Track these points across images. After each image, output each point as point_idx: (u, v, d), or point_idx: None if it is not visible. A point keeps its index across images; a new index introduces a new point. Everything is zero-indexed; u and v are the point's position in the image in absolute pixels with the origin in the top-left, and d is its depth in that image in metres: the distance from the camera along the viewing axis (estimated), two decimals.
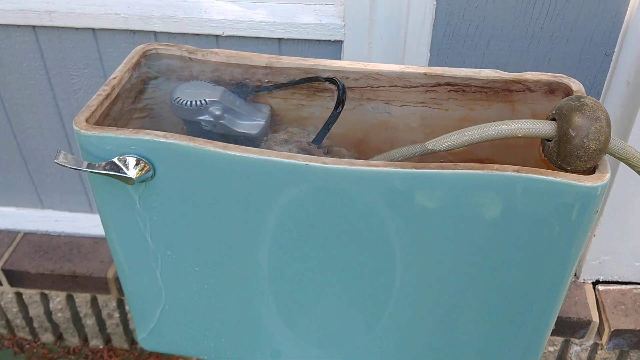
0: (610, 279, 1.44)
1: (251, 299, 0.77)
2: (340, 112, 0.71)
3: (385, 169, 0.60)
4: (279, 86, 0.78)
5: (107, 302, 1.54)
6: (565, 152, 0.59)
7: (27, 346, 1.69)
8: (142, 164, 0.64)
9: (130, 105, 0.76)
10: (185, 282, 0.77)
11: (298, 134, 0.75)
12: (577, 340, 1.39)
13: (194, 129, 0.78)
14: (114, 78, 0.72)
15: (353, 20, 1.15)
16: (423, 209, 0.63)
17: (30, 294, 1.56)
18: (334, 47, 1.21)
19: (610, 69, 1.19)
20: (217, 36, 1.22)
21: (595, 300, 1.39)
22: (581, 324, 1.35)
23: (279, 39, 1.21)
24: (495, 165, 0.60)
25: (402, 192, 0.61)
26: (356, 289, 0.73)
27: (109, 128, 0.64)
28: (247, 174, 0.64)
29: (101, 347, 1.67)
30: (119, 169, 0.63)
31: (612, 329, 1.32)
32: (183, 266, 0.75)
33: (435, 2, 1.12)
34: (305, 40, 1.21)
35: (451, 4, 1.13)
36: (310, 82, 0.77)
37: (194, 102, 0.76)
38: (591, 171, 0.60)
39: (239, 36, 1.21)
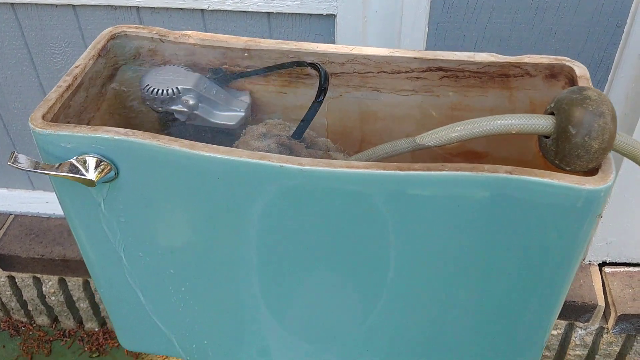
0: (617, 260, 1.38)
1: (231, 299, 0.72)
2: (321, 102, 0.66)
3: (366, 170, 0.54)
4: (258, 72, 0.72)
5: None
6: (564, 151, 0.53)
7: (23, 329, 1.68)
8: (103, 165, 0.59)
9: (96, 95, 0.70)
10: (161, 284, 0.72)
11: (277, 126, 0.69)
12: (581, 324, 1.35)
13: (167, 120, 0.73)
14: (76, 67, 0.67)
15: None
16: (409, 211, 0.57)
17: (23, 278, 1.53)
18: (326, 22, 1.14)
19: (621, 42, 1.12)
20: (202, 10, 1.15)
21: (601, 283, 1.33)
22: (586, 308, 1.30)
23: (268, 13, 1.14)
24: (486, 166, 0.54)
25: (385, 194, 0.56)
26: (343, 287, 0.69)
27: (67, 125, 0.58)
28: (217, 175, 0.58)
29: (96, 329, 1.65)
30: (77, 171, 0.58)
31: (618, 314, 1.27)
32: (157, 268, 0.70)
33: None
34: (296, 14, 1.14)
35: None
36: (291, 67, 0.71)
37: (165, 91, 0.70)
38: (593, 171, 0.54)
39: (226, 10, 1.14)
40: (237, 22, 1.16)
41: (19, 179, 1.58)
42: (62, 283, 1.53)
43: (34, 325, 1.68)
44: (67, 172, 0.58)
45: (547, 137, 0.55)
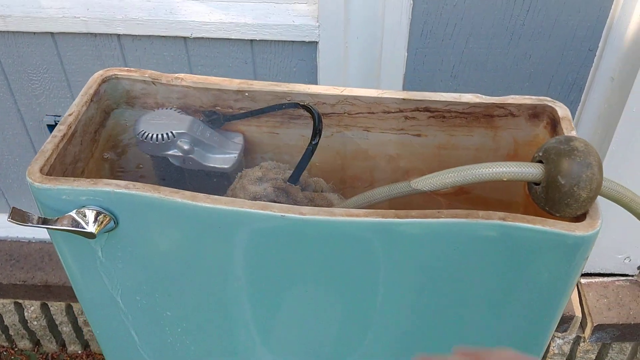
0: (592, 271, 1.43)
1: (228, 339, 0.74)
2: (316, 144, 0.67)
3: (365, 219, 0.56)
4: (251, 114, 0.73)
5: (83, 310, 1.50)
6: (554, 199, 0.55)
7: (5, 353, 1.66)
8: (103, 217, 0.60)
9: (90, 142, 0.71)
10: (157, 326, 0.73)
11: (273, 169, 0.71)
12: (559, 334, 1.39)
13: (162, 164, 0.73)
14: (69, 115, 0.67)
15: (327, 21, 1.09)
16: (406, 253, 0.59)
17: (4, 303, 1.51)
18: (308, 48, 1.15)
19: (593, 65, 1.16)
20: (185, 38, 1.16)
21: (577, 294, 1.38)
22: (564, 319, 1.35)
23: (251, 40, 1.15)
24: (480, 213, 0.56)
25: (384, 239, 0.58)
26: (338, 327, 0.70)
27: (66, 179, 0.59)
28: (218, 224, 0.59)
29: (80, 352, 1.64)
30: (78, 224, 0.59)
31: (594, 324, 1.32)
32: (154, 311, 0.71)
33: (411, 2, 1.07)
34: (279, 41, 1.15)
35: (428, 3, 1.08)
36: (284, 109, 0.72)
37: (159, 136, 0.71)
38: (581, 216, 0.57)
39: (209, 38, 1.15)
40: (220, 49, 1.17)
41: None
42: (45, 307, 1.51)
43: (16, 349, 1.66)
44: (68, 226, 0.58)
45: (537, 183, 0.57)
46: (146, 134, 0.71)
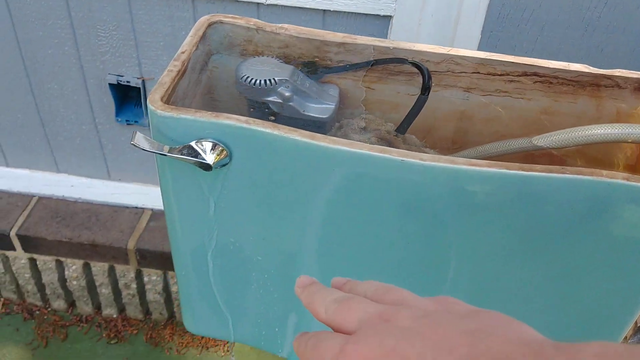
0: None
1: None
2: (427, 96, 0.67)
3: (489, 169, 0.56)
4: (354, 67, 0.73)
5: (125, 273, 1.50)
6: None
7: (37, 312, 1.66)
8: (220, 149, 0.60)
9: (195, 82, 0.71)
10: (244, 271, 0.73)
11: (375, 121, 0.71)
12: None
13: (259, 110, 0.73)
14: (182, 52, 0.67)
15: None
16: (523, 213, 0.59)
17: (45, 260, 1.52)
18: (381, 22, 1.15)
19: None
20: (258, 4, 1.16)
21: None
22: None
23: (324, 11, 1.15)
24: (604, 172, 0.56)
25: (504, 194, 0.58)
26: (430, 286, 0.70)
27: (187, 110, 0.59)
28: (334, 166, 0.59)
29: (115, 316, 1.64)
30: (197, 154, 0.59)
31: (638, 325, 1.31)
32: (245, 255, 0.71)
33: None
34: (352, 13, 1.15)
35: None
36: (389, 63, 0.72)
37: (262, 81, 0.71)
38: None
39: (283, 5, 1.15)
40: (292, 18, 1.17)
41: (43, 160, 1.56)
42: (86, 267, 1.52)
43: (49, 309, 1.66)
44: (187, 156, 0.59)
45: None
46: (249, 78, 0.71)
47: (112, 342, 1.59)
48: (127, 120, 1.42)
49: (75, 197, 1.54)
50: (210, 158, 0.59)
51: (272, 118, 0.73)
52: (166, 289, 1.55)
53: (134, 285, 1.53)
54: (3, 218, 1.48)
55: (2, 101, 1.44)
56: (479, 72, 0.72)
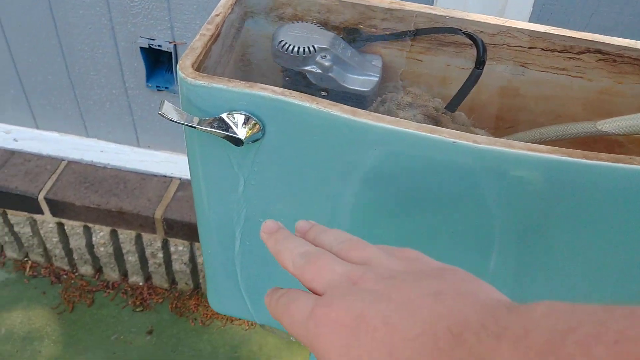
0: None
1: None
2: (481, 72, 0.61)
3: (550, 155, 0.50)
4: (401, 35, 0.67)
5: (152, 241, 1.48)
6: None
7: (65, 277, 1.66)
8: (252, 123, 0.55)
9: (228, 48, 0.66)
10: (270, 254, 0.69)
11: (422, 96, 0.65)
12: None
13: (295, 80, 0.68)
14: (217, 15, 0.62)
15: None
16: (584, 205, 0.53)
17: (73, 226, 1.51)
18: None
19: None
20: None
21: None
22: None
23: None
24: None
25: (563, 184, 0.52)
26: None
27: (220, 78, 0.54)
28: (376, 145, 0.54)
29: (141, 283, 1.63)
30: (228, 128, 0.54)
31: None
32: None
33: None
34: None
35: None
36: (440, 33, 0.66)
37: (300, 49, 0.65)
38: None
39: None
40: None
41: (73, 123, 1.54)
42: (114, 234, 1.50)
43: (76, 274, 1.66)
44: (217, 129, 0.54)
45: None
46: (287, 45, 0.65)
47: (137, 309, 1.59)
48: (157, 86, 1.38)
49: (104, 163, 1.51)
50: (242, 132, 0.54)
51: (324, 94, 0.68)
52: (192, 259, 1.52)
53: (160, 255, 1.51)
54: (32, 181, 1.47)
55: (33, 62, 1.42)
56: (536, 47, 0.66)
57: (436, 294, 0.29)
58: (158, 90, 1.39)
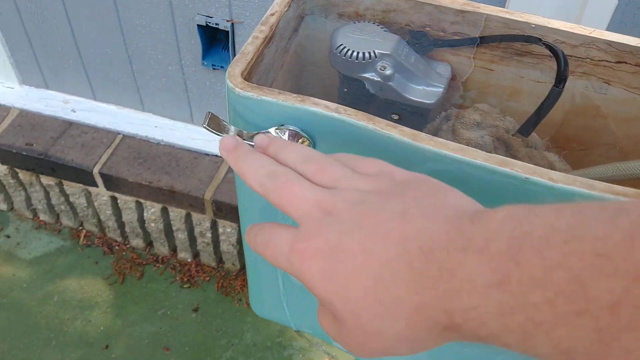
0: None
1: None
2: (561, 91, 0.55)
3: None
4: (472, 41, 0.61)
5: (201, 221, 1.48)
6: None
7: (117, 248, 1.68)
8: (302, 140, 0.51)
9: (283, 50, 0.61)
10: None
11: (491, 114, 0.59)
12: None
13: (351, 87, 0.63)
14: (272, 14, 0.57)
15: None
16: None
17: (126, 200, 1.51)
18: None
19: None
20: None
21: None
22: None
23: None
24: None
25: None
26: None
27: (270, 90, 0.50)
28: (435, 172, 0.49)
29: (189, 260, 1.64)
30: None
31: None
32: None
33: None
34: None
35: None
36: (517, 42, 0.60)
37: (360, 54, 0.60)
38: None
39: None
40: None
41: (129, 97, 1.53)
42: (164, 211, 1.50)
43: (128, 246, 1.68)
44: None
45: None
46: (345, 49, 0.60)
47: (185, 286, 1.60)
48: (213, 65, 1.35)
49: (158, 139, 1.51)
50: None
51: (396, 117, 0.63)
52: (240, 241, 1.51)
53: (208, 234, 1.50)
54: (87, 154, 1.48)
55: (91, 35, 1.41)
56: (625, 62, 0.58)
57: (403, 214, 0.30)
58: (214, 68, 1.36)
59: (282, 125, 0.51)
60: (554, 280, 0.22)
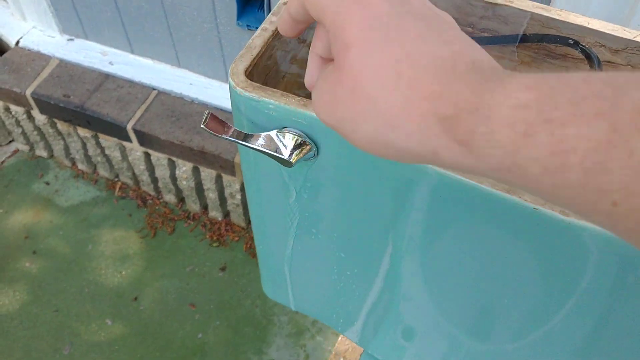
0: None
1: (397, 290, 0.63)
2: None
3: None
4: (502, 40, 0.57)
5: (231, 183, 1.48)
6: None
7: (150, 201, 1.70)
8: (305, 146, 0.48)
9: (296, 41, 0.58)
10: (325, 264, 0.64)
11: None
12: None
13: None
14: (284, 3, 0.54)
15: None
16: None
17: (159, 157, 1.52)
18: None
19: None
20: None
21: None
22: None
23: None
24: None
25: None
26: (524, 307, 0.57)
27: (273, 92, 0.47)
28: (441, 194, 0.46)
29: (220, 219, 1.65)
30: (276, 149, 0.48)
31: None
32: (327, 248, 0.61)
33: None
34: None
35: None
36: (551, 43, 0.55)
37: None
38: None
39: None
40: None
41: (166, 52, 1.52)
42: (196, 171, 1.51)
43: (161, 200, 1.70)
44: (266, 148, 0.48)
45: None
46: None
47: (214, 244, 1.61)
48: (248, 25, 1.32)
49: (192, 97, 1.50)
50: (290, 154, 0.48)
51: None
52: None
53: (238, 196, 1.50)
54: (122, 109, 1.48)
55: None
56: None
57: (444, 35, 0.30)
58: (248, 29, 1.33)
59: (285, 127, 0.48)
60: (581, 88, 0.22)
